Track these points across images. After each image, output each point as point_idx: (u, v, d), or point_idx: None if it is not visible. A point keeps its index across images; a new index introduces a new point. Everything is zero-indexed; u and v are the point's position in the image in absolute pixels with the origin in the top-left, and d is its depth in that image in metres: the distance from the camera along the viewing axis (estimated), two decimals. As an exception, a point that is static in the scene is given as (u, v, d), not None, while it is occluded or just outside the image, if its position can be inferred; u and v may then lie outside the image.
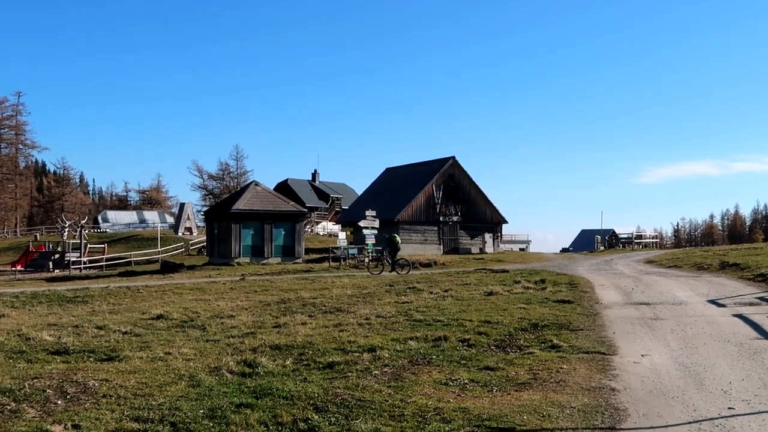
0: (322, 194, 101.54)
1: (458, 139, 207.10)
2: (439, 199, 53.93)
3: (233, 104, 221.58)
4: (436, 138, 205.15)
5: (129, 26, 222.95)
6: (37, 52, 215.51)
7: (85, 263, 49.61)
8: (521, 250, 72.10)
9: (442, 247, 53.62)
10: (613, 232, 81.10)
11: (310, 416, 6.92)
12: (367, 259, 38.68)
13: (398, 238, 33.92)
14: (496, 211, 58.03)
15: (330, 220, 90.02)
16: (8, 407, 7.07)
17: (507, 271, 28.86)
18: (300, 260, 41.21)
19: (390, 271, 31.41)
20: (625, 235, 76.10)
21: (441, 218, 54.06)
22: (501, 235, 60.75)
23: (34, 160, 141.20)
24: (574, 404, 7.35)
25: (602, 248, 65.68)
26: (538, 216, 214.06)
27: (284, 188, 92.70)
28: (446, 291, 19.97)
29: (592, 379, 8.52)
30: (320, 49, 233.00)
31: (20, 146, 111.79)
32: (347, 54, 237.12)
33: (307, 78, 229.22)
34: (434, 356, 9.87)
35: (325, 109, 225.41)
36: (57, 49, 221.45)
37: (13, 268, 52.18)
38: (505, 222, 59.25)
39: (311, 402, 7.43)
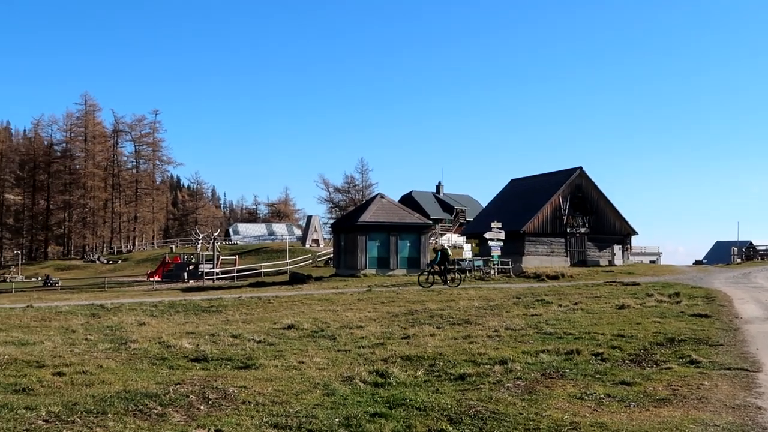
0: (446, 206, 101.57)
1: (585, 149, 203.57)
2: (565, 211, 52.99)
3: (359, 118, 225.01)
4: (562, 149, 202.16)
5: (254, 46, 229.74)
6: (172, 71, 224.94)
7: (217, 274, 51.27)
8: (651, 262, 69.90)
9: (569, 259, 52.64)
10: (751, 243, 77.59)
11: (444, 427, 6.91)
12: (492, 270, 38.44)
13: (449, 251, 33.34)
14: (625, 222, 56.55)
15: (454, 232, 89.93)
16: (155, 411, 7.37)
17: (638, 284, 28.05)
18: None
19: (443, 284, 30.76)
20: (764, 247, 72.64)
21: (568, 230, 53.11)
22: (630, 246, 59.09)
23: (169, 175, 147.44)
24: (717, 422, 7.04)
25: (739, 260, 62.96)
26: (669, 227, 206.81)
27: (409, 200, 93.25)
28: (576, 304, 19.57)
29: (736, 397, 8.15)
30: (445, 62, 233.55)
31: (157, 162, 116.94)
32: (471, 65, 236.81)
33: (431, 90, 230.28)
34: (567, 370, 9.68)
35: (449, 122, 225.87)
36: (190, 69, 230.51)
37: (151, 279, 54.56)
38: (635, 233, 57.64)
39: (444, 413, 7.41)
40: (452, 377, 9.37)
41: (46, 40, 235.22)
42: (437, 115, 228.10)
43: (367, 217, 41.78)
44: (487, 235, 40.02)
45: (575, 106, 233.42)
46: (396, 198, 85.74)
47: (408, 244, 42.02)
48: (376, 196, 47.74)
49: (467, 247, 45.18)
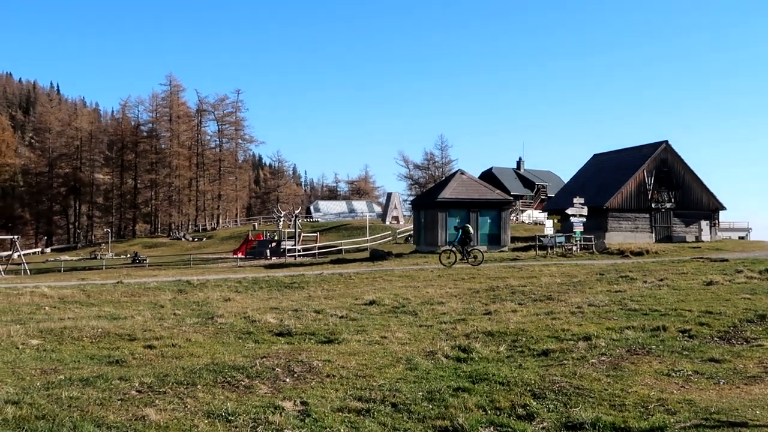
0: (527, 182, 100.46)
1: (671, 121, 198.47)
2: (650, 186, 51.74)
3: (439, 94, 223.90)
4: (646, 122, 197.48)
5: (333, 21, 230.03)
6: (253, 51, 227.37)
7: (299, 251, 51.88)
8: (740, 238, 67.85)
9: (654, 235, 51.49)
10: None
11: (528, 402, 6.89)
12: (574, 247, 37.90)
13: (471, 228, 32.60)
14: (713, 196, 54.94)
15: (535, 208, 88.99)
16: (243, 383, 7.55)
17: (726, 260, 27.31)
18: (506, 248, 41.01)
19: (463, 261, 30.22)
20: None
21: (653, 205, 51.89)
22: (718, 222, 57.38)
23: (251, 154, 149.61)
24: (812, 401, 6.84)
25: (834, 236, 60.54)
26: (760, 202, 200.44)
27: (489, 177, 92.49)
28: (661, 280, 19.17)
29: (831, 375, 7.89)
30: (527, 34, 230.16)
31: (239, 141, 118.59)
32: (555, 37, 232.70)
33: (512, 65, 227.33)
34: (653, 346, 9.51)
35: (530, 96, 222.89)
36: (271, 48, 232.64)
37: (235, 256, 55.57)
38: (723, 208, 55.92)
39: (528, 388, 7.39)
40: (535, 353, 9.32)
41: (131, 23, 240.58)
42: (518, 90, 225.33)
43: (447, 193, 41.63)
44: (569, 211, 39.46)
45: (661, 77, 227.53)
46: (476, 174, 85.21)
47: (488, 221, 41.73)
48: (456, 172, 47.51)
49: (549, 223, 44.59)
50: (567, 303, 14.66)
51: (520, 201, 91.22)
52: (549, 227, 42.91)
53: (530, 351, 9.46)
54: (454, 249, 31.29)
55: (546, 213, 58.28)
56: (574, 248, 38.16)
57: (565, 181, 72.57)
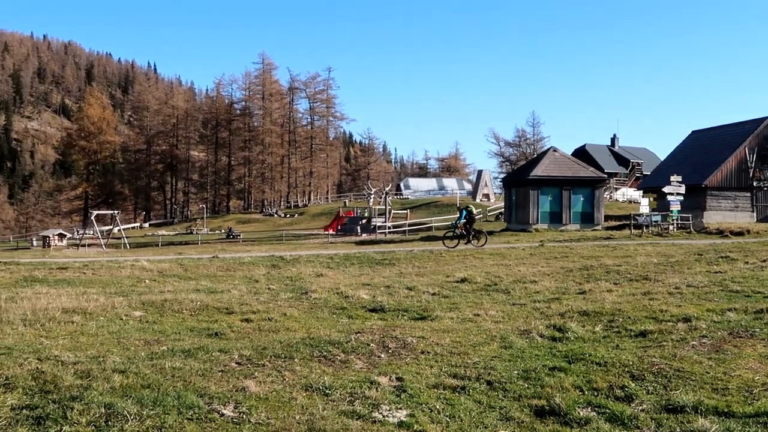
0: (621, 159, 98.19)
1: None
2: (752, 163, 49.92)
3: (531, 71, 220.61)
4: (747, 99, 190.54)
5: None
6: (345, 30, 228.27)
7: (389, 228, 52.09)
8: None
9: (755, 214, 49.72)
10: None
11: (626, 383, 6.78)
12: (670, 226, 36.93)
13: (474, 209, 31.89)
14: (819, 175, 52.74)
15: (630, 186, 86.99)
16: (338, 357, 7.65)
17: (833, 241, 26.22)
18: (599, 227, 40.32)
19: (466, 243, 29.61)
20: None
21: (754, 183, 50.13)
22: (824, 201, 55.11)
23: (342, 132, 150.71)
24: None
25: None
26: None
27: (582, 154, 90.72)
28: (764, 261, 18.49)
29: None
30: (622, 8, 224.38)
31: (330, 118, 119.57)
32: (650, 10, 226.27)
33: (605, 40, 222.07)
34: (757, 329, 9.17)
35: (625, 73, 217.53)
36: (362, 23, 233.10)
37: (326, 232, 56.24)
38: (830, 187, 53.67)
39: (626, 369, 7.25)
40: (632, 334, 9.13)
41: (226, 3, 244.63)
42: (613, 66, 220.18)
43: (539, 170, 41.10)
44: (665, 189, 38.46)
45: (762, 52, 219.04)
46: (569, 152, 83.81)
47: (581, 199, 41.06)
48: (548, 149, 46.84)
49: (644, 201, 43.58)
50: (664, 283, 14.31)
51: (614, 179, 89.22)
52: (644, 206, 41.93)
53: (627, 332, 9.27)
54: (457, 230, 30.78)
55: (641, 191, 56.96)
56: (671, 227, 37.20)
57: (662, 159, 70.63)
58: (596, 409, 6.16)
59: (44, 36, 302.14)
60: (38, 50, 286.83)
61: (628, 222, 39.44)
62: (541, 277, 16.74)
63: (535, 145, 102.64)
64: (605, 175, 51.22)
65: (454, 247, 28.41)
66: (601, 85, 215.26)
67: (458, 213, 31.19)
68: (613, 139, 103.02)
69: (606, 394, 6.55)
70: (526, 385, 6.79)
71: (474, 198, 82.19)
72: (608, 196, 73.67)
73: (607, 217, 45.62)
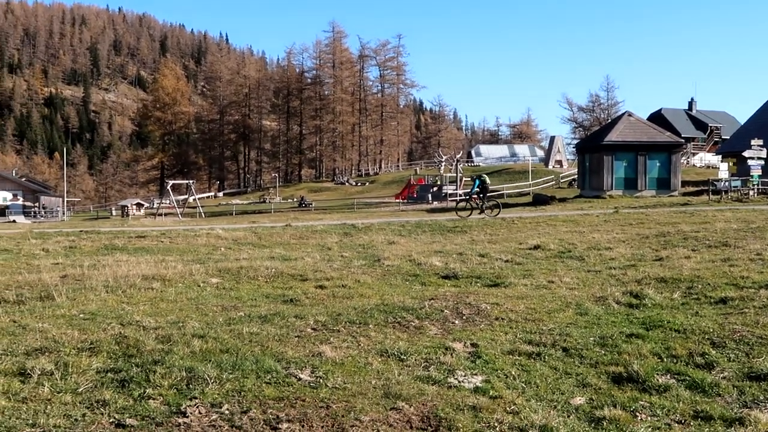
0: (699, 124, 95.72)
1: None
2: (838, 126, 48.15)
3: (604, 33, 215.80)
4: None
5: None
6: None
7: (460, 195, 51.90)
8: None
9: (840, 178, 48.05)
10: None
11: (706, 351, 6.63)
12: (751, 191, 35.93)
13: (487, 179, 31.07)
14: None
15: (708, 151, 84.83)
16: (413, 323, 7.68)
17: None
18: (676, 193, 39.46)
19: (479, 213, 28.98)
20: None
21: (839, 146, 48.33)
22: None
23: (412, 99, 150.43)
24: None
25: None
26: None
27: (658, 119, 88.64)
28: None
29: None
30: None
31: (401, 86, 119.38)
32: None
33: (680, 4, 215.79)
34: (844, 296, 8.89)
35: (702, 34, 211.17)
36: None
37: (397, 200, 56.37)
38: None
39: (706, 336, 7.10)
40: (712, 301, 8.93)
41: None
42: (690, 29, 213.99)
43: (613, 136, 40.33)
44: (746, 154, 37.41)
45: None
46: (644, 116, 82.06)
47: (657, 164, 40.19)
48: (623, 114, 45.91)
49: (723, 166, 42.41)
50: (745, 249, 13.92)
51: (692, 144, 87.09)
52: (723, 171, 40.79)
53: (706, 298, 9.06)
54: (470, 200, 30.39)
55: (720, 156, 55.46)
56: (751, 193, 36.21)
57: (742, 123, 68.61)
58: (675, 376, 6.05)
59: (119, 8, 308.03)
60: (114, 23, 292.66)
61: (706, 188, 38.49)
62: (617, 243, 16.46)
63: (609, 110, 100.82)
64: (682, 140, 50.00)
65: (467, 217, 28.21)
66: (678, 48, 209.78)
67: (474, 184, 30.59)
68: (690, 103, 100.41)
69: (685, 361, 6.42)
70: (603, 352, 6.71)
71: (546, 165, 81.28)
72: (685, 162, 71.89)
73: (684, 183, 44.59)
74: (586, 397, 5.61)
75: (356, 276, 11.60)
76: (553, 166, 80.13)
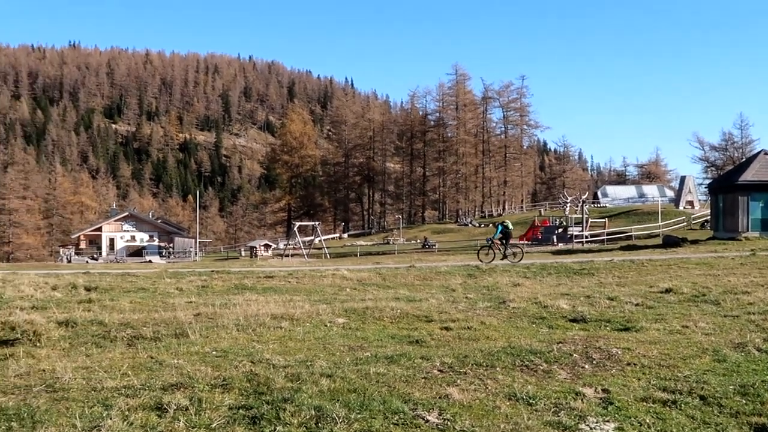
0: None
1: None
2: None
3: (735, 71, 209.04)
4: None
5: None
6: (536, 38, 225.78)
7: (587, 237, 50.92)
8: None
9: None
10: None
11: None
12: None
13: (510, 224, 30.37)
14: None
15: None
16: (541, 367, 7.53)
17: None
18: (818, 235, 37.43)
19: (502, 259, 28.56)
20: None
21: None
22: None
23: (536, 140, 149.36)
24: None
25: None
26: None
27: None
28: None
29: None
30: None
31: (524, 127, 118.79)
32: None
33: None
34: None
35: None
36: (554, 33, 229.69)
37: (521, 241, 55.75)
38: None
39: None
40: None
41: (418, 17, 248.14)
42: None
43: (748, 175, 38.73)
44: None
45: None
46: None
47: (797, 205, 38.32)
48: (758, 152, 44.05)
49: None
50: None
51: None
52: None
53: None
54: (493, 245, 30.06)
55: None
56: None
57: None
58: (824, 429, 5.70)
59: (250, 57, 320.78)
60: (245, 70, 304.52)
61: None
62: (755, 288, 15.73)
63: (744, 148, 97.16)
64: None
65: (489, 262, 27.95)
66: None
67: (497, 230, 30.47)
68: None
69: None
70: (744, 402, 6.39)
71: (677, 205, 78.82)
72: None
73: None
74: (726, 448, 5.35)
75: (481, 318, 11.50)
76: (684, 207, 77.63)
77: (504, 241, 29.97)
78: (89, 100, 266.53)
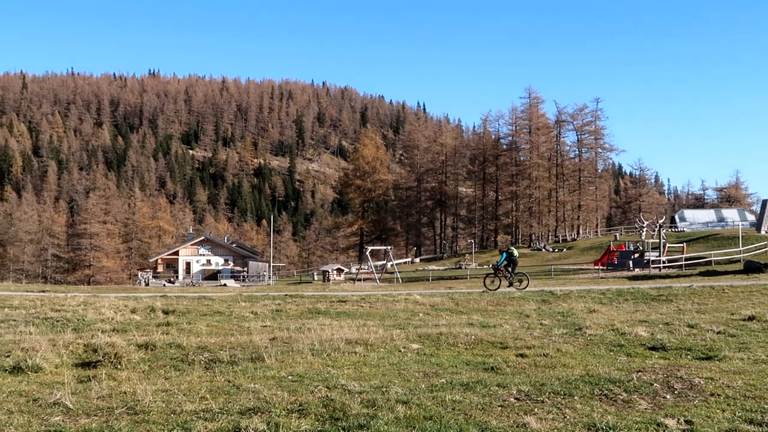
0: None
1: None
2: None
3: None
4: None
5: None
6: (612, 58, 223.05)
7: (664, 262, 49.86)
8: None
9: None
10: None
11: None
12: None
13: (516, 252, 29.86)
14: None
15: None
16: (620, 396, 7.37)
17: None
18: None
19: (508, 286, 28.23)
20: None
21: None
22: None
23: (611, 163, 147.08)
24: None
25: None
26: None
27: None
28: None
29: None
30: None
31: (599, 150, 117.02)
32: None
33: None
34: None
35: None
36: (630, 54, 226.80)
37: (596, 266, 54.87)
38: None
39: None
40: None
41: (490, 41, 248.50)
42: None
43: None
44: None
45: None
46: None
47: None
48: None
49: None
50: None
51: None
52: None
53: None
54: (498, 273, 29.82)
55: None
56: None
57: None
58: None
59: (323, 83, 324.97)
60: (318, 96, 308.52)
61: None
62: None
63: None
64: None
65: (495, 290, 28.05)
66: None
67: (502, 257, 30.00)
68: None
69: None
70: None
71: (758, 230, 76.56)
72: None
73: None
74: (819, 485, 5.15)
75: (557, 345, 11.34)
76: (766, 232, 75.36)
77: (510, 269, 29.79)
78: (167, 126, 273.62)
